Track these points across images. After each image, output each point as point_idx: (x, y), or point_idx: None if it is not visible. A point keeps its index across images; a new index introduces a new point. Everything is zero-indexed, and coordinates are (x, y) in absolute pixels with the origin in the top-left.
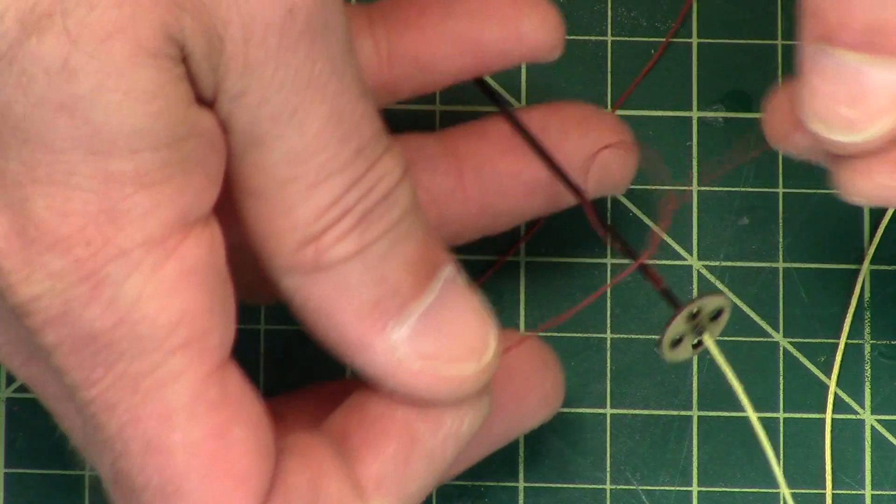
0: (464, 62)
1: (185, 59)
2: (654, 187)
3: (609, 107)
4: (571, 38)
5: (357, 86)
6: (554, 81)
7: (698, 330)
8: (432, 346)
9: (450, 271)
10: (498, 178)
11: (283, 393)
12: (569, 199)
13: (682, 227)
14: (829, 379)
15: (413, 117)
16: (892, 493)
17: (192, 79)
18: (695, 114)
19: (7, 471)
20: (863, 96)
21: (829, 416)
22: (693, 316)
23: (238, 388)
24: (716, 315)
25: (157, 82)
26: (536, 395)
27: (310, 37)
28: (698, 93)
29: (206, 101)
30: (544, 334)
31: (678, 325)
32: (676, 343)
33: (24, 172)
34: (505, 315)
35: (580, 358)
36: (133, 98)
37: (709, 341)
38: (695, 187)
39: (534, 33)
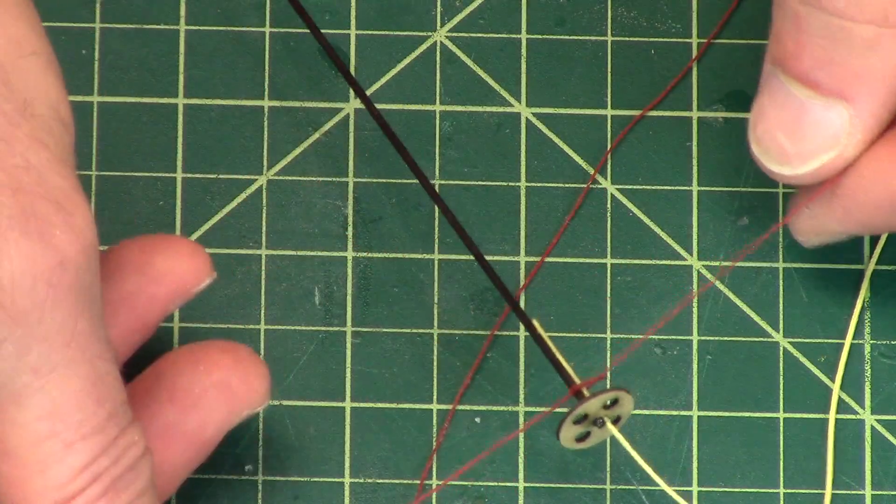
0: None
1: None
2: (654, 187)
3: (609, 107)
4: (571, 38)
5: (110, 352)
6: (554, 81)
7: (599, 422)
8: None
9: None
10: None
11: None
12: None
13: (682, 227)
14: (830, 379)
15: (413, 116)
16: (892, 493)
17: None
18: (695, 114)
19: None
20: (802, 131)
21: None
22: (584, 417)
23: None
24: (613, 403)
25: None
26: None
27: (76, 293)
28: (698, 93)
29: None
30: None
31: (568, 429)
32: (584, 437)
33: None
34: (507, 312)
35: (580, 358)
36: None
37: (612, 429)
38: (695, 187)
39: None
